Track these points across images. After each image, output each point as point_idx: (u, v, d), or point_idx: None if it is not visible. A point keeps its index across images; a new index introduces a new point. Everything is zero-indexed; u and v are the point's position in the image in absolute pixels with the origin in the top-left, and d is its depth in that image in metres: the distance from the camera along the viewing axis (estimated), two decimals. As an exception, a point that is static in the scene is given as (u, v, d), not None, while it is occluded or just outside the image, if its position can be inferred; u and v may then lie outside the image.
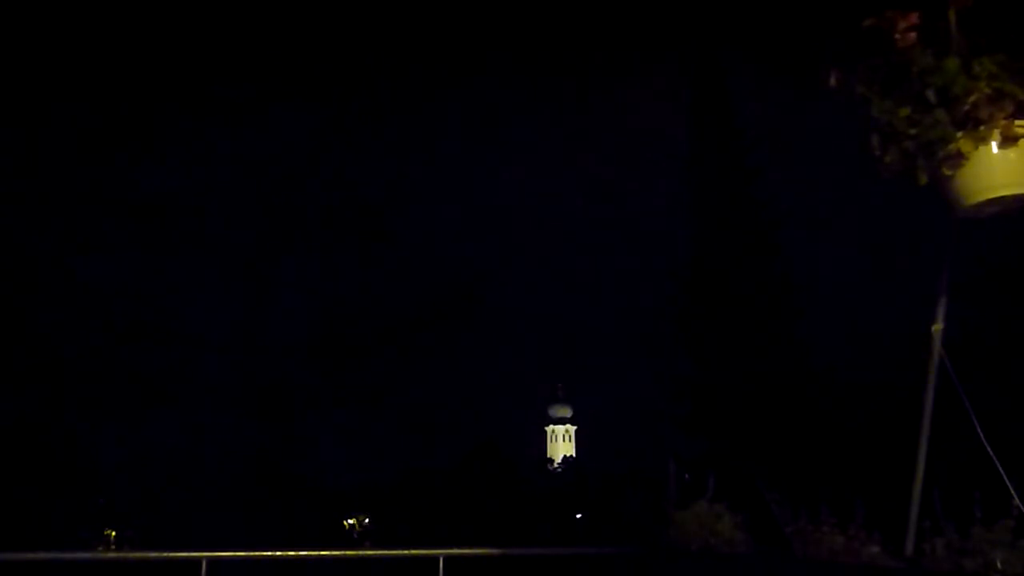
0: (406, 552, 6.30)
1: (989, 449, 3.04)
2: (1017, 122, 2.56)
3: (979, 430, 3.11)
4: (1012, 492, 2.92)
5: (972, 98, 2.53)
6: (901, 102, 2.66)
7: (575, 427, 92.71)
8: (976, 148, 2.57)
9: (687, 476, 5.57)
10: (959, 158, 2.59)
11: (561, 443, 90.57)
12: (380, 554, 7.96)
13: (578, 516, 39.94)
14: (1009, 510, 3.03)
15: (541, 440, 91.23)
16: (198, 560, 5.15)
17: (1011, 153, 2.58)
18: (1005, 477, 2.96)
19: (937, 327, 3.27)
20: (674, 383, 24.14)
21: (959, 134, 2.57)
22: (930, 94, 2.58)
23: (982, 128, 2.55)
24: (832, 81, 2.80)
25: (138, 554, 6.42)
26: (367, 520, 45.50)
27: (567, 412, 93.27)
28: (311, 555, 5.92)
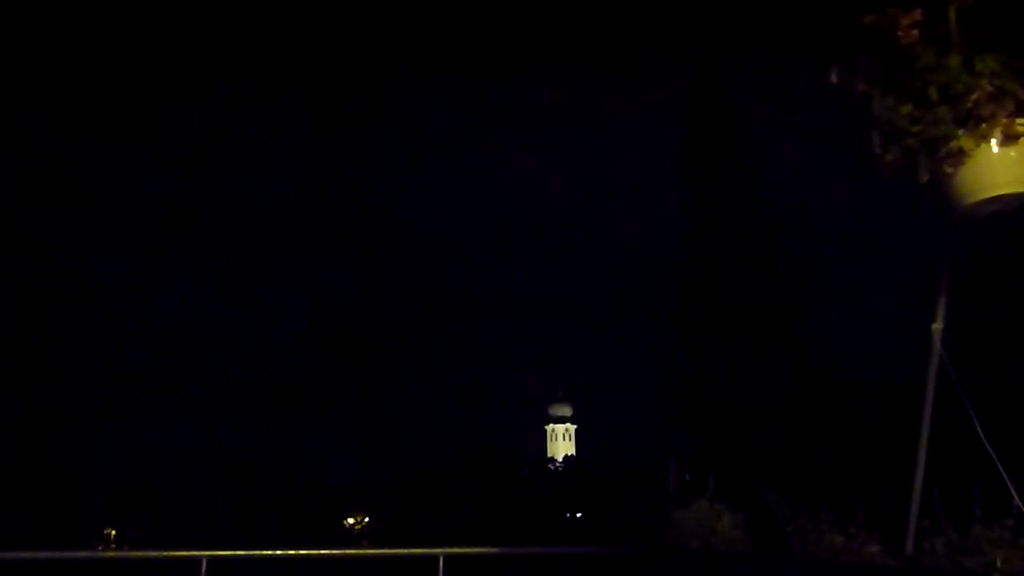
0: (406, 551, 6.30)
1: (989, 449, 3.03)
2: (1018, 120, 2.54)
3: (979, 430, 3.10)
4: (1012, 492, 2.92)
5: (974, 96, 2.52)
6: (902, 99, 2.65)
7: (575, 426, 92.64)
8: (977, 146, 2.56)
9: (687, 475, 5.56)
10: (960, 156, 2.58)
11: (561, 442, 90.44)
12: (380, 553, 7.93)
13: (578, 515, 39.91)
14: (1009, 510, 3.02)
15: (541, 440, 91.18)
16: (198, 559, 5.15)
17: (1012, 152, 2.57)
18: (1005, 477, 2.95)
19: (937, 326, 3.26)
20: (674, 382, 24.12)
21: (961, 132, 2.56)
22: (932, 91, 2.57)
23: (984, 126, 2.54)
24: (833, 78, 2.79)
25: (138, 553, 6.41)
26: (367, 519, 45.53)
27: (567, 411, 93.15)
28: (311, 554, 5.91)
